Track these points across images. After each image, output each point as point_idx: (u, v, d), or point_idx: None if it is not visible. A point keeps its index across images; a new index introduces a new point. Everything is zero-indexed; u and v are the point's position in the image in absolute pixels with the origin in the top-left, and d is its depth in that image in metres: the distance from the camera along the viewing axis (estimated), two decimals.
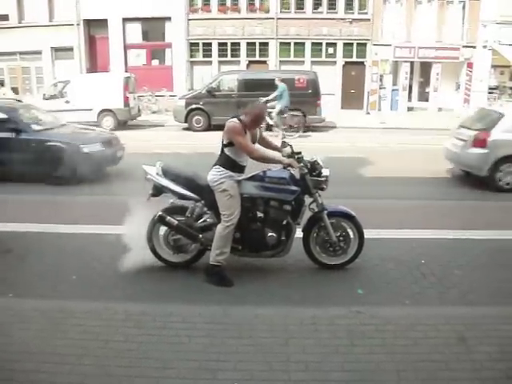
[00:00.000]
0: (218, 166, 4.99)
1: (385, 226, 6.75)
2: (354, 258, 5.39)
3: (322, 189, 5.22)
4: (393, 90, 25.88)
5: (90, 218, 7.02)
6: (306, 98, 18.29)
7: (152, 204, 5.26)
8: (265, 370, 3.51)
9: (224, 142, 4.96)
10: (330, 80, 25.05)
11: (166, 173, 5.23)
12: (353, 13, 25.29)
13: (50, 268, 5.36)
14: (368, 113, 24.98)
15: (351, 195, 7.74)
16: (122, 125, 18.74)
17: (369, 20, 25.13)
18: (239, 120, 4.89)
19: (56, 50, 26.01)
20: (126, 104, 19.05)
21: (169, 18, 25.31)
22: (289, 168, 5.10)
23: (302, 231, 5.34)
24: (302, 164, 5.11)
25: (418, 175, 10.51)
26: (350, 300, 4.65)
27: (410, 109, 25.86)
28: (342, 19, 25.12)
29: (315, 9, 25.34)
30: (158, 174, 5.24)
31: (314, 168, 5.18)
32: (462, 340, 3.91)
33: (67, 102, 18.55)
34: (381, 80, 25.64)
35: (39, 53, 25.86)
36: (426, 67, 25.75)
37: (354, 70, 25.72)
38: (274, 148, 5.41)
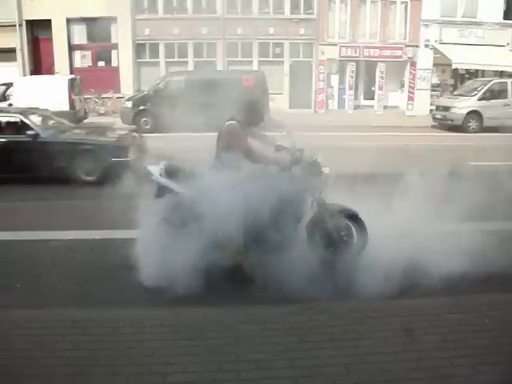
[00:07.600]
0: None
1: None
2: (357, 255, 5.36)
3: (323, 187, 5.23)
4: (340, 89, 26.31)
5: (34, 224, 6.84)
6: None
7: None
8: (214, 370, 3.49)
9: (220, 146, 4.91)
10: (278, 80, 25.26)
11: (169, 173, 5.09)
12: (299, 13, 25.52)
13: None
14: (316, 112, 25.29)
15: None
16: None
17: (315, 20, 25.42)
18: (237, 121, 4.89)
19: None
20: (72, 106, 18.50)
21: (114, 19, 24.81)
22: (289, 167, 5.09)
23: (305, 229, 5.33)
24: (300, 164, 5.12)
25: None
26: (299, 297, 4.59)
27: (356, 107, 26.32)
28: (288, 19, 25.32)
29: (262, 9, 25.45)
30: (161, 174, 5.09)
31: (314, 166, 5.20)
32: (409, 331, 4.01)
33: (10, 104, 17.99)
34: (328, 79, 26.02)
35: None
36: (371, 66, 26.23)
37: (301, 70, 25.96)
38: (270, 142, 5.46)
